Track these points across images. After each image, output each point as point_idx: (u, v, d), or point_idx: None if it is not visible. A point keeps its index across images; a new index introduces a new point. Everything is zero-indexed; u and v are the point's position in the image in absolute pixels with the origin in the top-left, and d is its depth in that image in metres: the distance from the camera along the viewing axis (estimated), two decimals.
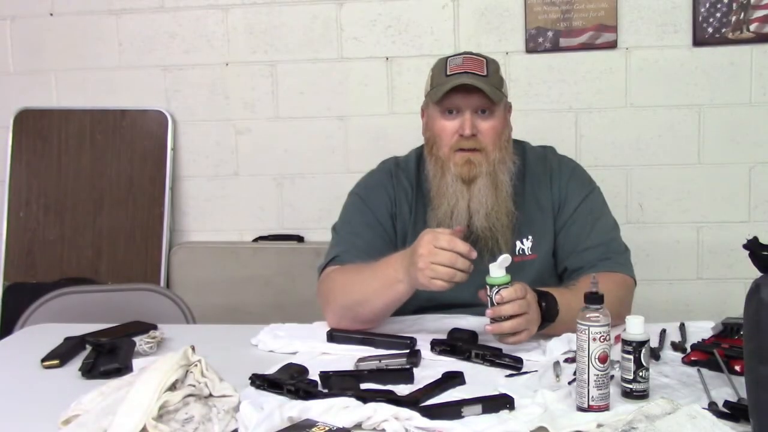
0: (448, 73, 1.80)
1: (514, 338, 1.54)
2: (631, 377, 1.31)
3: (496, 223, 1.78)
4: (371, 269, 1.70)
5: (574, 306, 1.41)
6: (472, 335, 1.62)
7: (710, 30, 2.70)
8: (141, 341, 1.69)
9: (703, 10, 2.69)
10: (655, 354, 1.52)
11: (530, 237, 1.85)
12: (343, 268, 1.79)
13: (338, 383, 1.38)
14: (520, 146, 1.94)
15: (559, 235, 1.86)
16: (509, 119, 1.90)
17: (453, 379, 1.42)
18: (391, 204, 1.90)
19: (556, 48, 2.76)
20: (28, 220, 2.96)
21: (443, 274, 1.55)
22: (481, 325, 1.66)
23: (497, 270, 1.53)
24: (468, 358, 1.55)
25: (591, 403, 1.26)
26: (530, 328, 1.56)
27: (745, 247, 1.19)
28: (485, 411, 1.28)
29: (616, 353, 1.34)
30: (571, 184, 1.90)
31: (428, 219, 1.83)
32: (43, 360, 1.64)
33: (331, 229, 1.94)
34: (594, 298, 1.29)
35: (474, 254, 1.57)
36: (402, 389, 1.39)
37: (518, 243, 1.84)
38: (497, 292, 1.52)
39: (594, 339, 1.26)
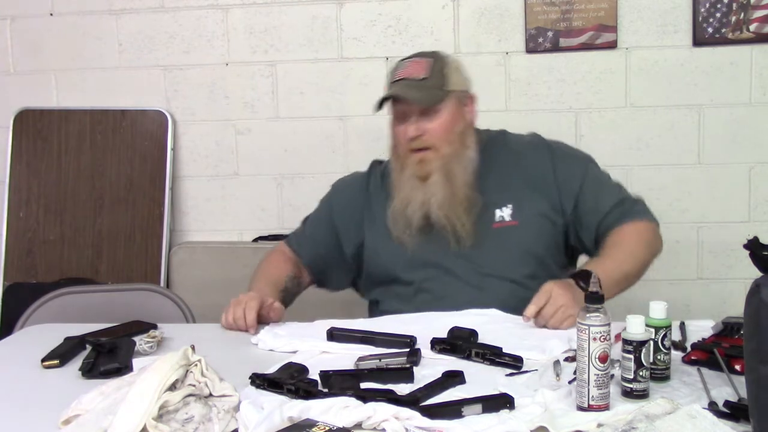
0: (393, 79, 1.95)
1: (566, 323, 1.70)
2: (632, 377, 1.31)
3: (450, 212, 1.91)
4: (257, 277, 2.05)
5: (611, 265, 1.78)
6: (472, 334, 1.62)
7: (710, 30, 2.70)
8: (141, 341, 1.69)
9: (703, 10, 2.69)
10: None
11: (510, 205, 1.95)
12: (267, 264, 2.11)
13: (338, 382, 1.38)
14: (502, 133, 2.07)
15: (577, 211, 1.96)
16: (466, 110, 1.98)
17: (453, 378, 1.42)
18: (355, 204, 2.07)
19: (556, 48, 2.77)
20: (28, 220, 2.96)
21: (230, 320, 1.85)
22: (482, 323, 1.69)
23: (659, 313, 1.44)
24: (468, 357, 1.55)
25: (591, 402, 1.26)
26: (571, 313, 1.69)
27: (746, 247, 1.19)
28: (485, 410, 1.28)
29: (616, 353, 1.34)
30: (570, 164, 1.99)
31: (387, 209, 1.98)
32: (43, 360, 1.64)
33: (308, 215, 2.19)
34: (594, 298, 1.29)
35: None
36: (402, 388, 1.39)
37: (497, 211, 1.95)
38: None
39: (594, 338, 1.26)
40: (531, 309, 1.72)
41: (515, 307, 1.79)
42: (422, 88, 1.89)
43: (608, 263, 1.82)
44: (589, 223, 1.96)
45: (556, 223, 1.97)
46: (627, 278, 1.87)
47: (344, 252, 2.09)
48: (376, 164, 2.14)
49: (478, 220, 1.93)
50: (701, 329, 1.65)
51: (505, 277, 1.92)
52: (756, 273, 1.15)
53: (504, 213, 1.95)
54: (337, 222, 2.09)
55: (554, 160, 1.98)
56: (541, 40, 2.77)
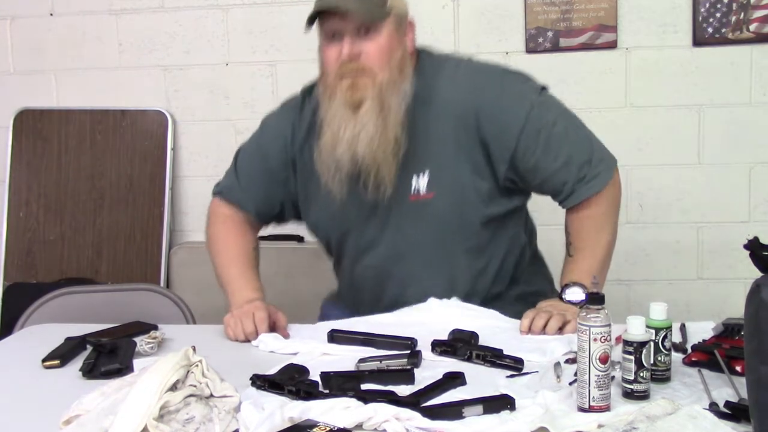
0: None
1: (568, 328, 1.67)
2: (632, 378, 1.31)
3: (378, 152, 1.71)
4: (227, 279, 1.94)
5: (587, 264, 1.76)
6: (473, 336, 1.62)
7: (710, 30, 2.70)
8: (142, 341, 1.69)
9: (703, 10, 2.69)
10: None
11: (427, 171, 1.77)
12: (227, 235, 1.97)
13: (339, 384, 1.38)
14: (440, 66, 1.82)
15: (515, 167, 1.78)
16: (407, 38, 1.78)
17: (454, 379, 1.42)
18: (287, 146, 1.89)
19: (556, 48, 2.77)
20: (28, 220, 2.96)
21: (239, 334, 1.75)
22: (483, 326, 1.69)
23: (659, 314, 1.45)
24: (469, 359, 1.55)
25: (592, 403, 1.26)
26: (566, 318, 1.68)
27: (746, 247, 1.19)
28: (486, 411, 1.28)
29: (616, 354, 1.34)
30: (504, 115, 1.77)
31: (315, 148, 1.79)
32: (43, 360, 1.64)
33: (238, 149, 2.02)
34: (594, 299, 1.29)
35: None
36: (403, 390, 1.39)
37: (414, 179, 1.77)
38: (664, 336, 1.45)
39: (595, 340, 1.26)
40: (523, 323, 1.70)
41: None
42: (360, 2, 1.67)
43: (585, 263, 1.80)
44: (531, 180, 1.81)
45: (482, 189, 1.78)
46: (607, 260, 1.84)
47: (289, 191, 1.93)
48: (307, 94, 1.90)
49: (396, 188, 1.76)
50: (701, 331, 1.65)
51: (419, 256, 1.82)
52: (756, 273, 1.15)
53: (420, 183, 1.76)
54: (274, 168, 1.92)
55: (480, 117, 1.75)
56: (541, 40, 2.77)
